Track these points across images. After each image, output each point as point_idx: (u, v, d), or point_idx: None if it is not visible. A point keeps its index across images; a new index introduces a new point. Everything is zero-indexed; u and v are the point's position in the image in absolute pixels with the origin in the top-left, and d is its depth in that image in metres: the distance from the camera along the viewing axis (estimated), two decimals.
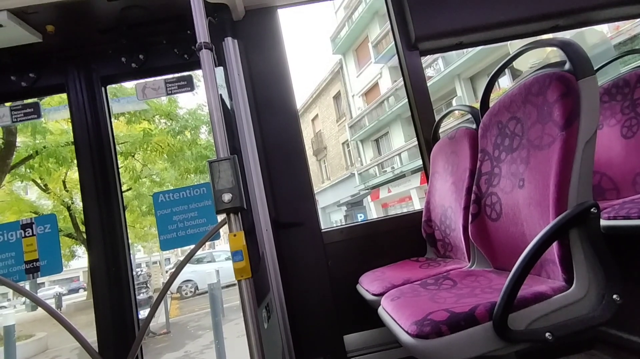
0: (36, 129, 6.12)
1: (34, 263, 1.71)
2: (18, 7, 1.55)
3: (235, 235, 1.10)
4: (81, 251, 11.23)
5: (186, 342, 5.87)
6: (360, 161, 19.14)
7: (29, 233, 1.73)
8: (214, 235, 1.37)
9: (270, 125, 1.95)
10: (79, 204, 9.01)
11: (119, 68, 1.93)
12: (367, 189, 18.12)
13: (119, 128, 7.58)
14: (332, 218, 21.83)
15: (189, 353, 5.27)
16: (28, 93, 1.93)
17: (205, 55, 1.23)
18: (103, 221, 1.82)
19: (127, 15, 1.77)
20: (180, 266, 1.43)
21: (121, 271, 1.82)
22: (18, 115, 1.86)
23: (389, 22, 2.23)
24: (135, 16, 1.78)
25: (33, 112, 1.88)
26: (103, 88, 1.96)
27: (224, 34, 1.85)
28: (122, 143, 7.62)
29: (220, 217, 1.18)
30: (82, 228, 9.66)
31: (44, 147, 6.48)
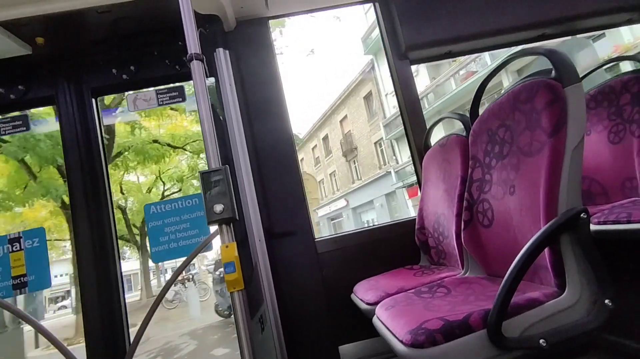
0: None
1: (22, 278, 1.68)
2: (7, 20, 1.55)
3: (227, 246, 1.09)
4: (129, 253, 11.38)
5: None
6: (395, 159, 18.90)
7: (16, 248, 1.70)
8: (207, 246, 1.35)
9: (263, 135, 1.95)
10: (133, 207, 9.58)
11: (109, 80, 1.92)
12: (405, 187, 17.85)
13: (178, 129, 7.79)
14: (362, 219, 21.15)
15: None
16: (17, 106, 1.92)
17: (197, 66, 1.23)
18: (93, 233, 1.80)
19: (118, 27, 1.77)
20: (173, 277, 1.41)
21: (112, 284, 1.79)
22: (6, 127, 1.84)
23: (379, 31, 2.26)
24: (126, 28, 1.78)
25: (22, 125, 1.86)
26: (94, 100, 1.95)
27: (215, 45, 1.86)
28: (194, 142, 7.95)
29: (213, 228, 1.17)
30: (135, 230, 10.14)
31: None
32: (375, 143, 20.29)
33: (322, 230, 23.05)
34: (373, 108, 20.23)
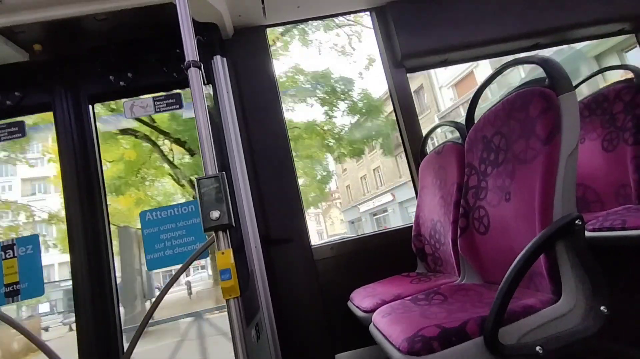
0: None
1: (14, 286, 1.65)
2: (5, 26, 1.55)
3: (223, 253, 1.08)
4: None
5: None
6: None
7: (9, 255, 1.67)
8: (203, 254, 1.34)
9: (259, 142, 1.95)
10: None
11: (107, 87, 1.92)
12: None
13: None
14: (409, 211, 20.26)
15: None
16: (13, 112, 1.91)
17: (194, 73, 1.23)
18: (88, 243, 1.78)
19: (116, 34, 1.77)
20: (167, 287, 1.40)
21: (106, 292, 1.77)
22: (2, 134, 1.83)
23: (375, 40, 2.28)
24: (124, 35, 1.79)
25: (18, 131, 1.85)
26: (90, 107, 1.95)
27: (213, 52, 1.87)
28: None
29: (209, 235, 1.16)
30: None
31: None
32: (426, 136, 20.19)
33: (364, 227, 22.54)
34: (425, 102, 20.03)
